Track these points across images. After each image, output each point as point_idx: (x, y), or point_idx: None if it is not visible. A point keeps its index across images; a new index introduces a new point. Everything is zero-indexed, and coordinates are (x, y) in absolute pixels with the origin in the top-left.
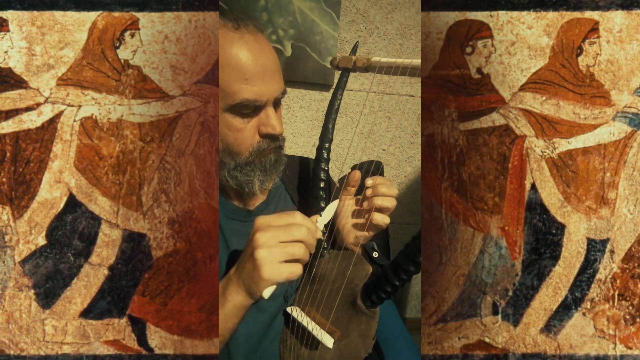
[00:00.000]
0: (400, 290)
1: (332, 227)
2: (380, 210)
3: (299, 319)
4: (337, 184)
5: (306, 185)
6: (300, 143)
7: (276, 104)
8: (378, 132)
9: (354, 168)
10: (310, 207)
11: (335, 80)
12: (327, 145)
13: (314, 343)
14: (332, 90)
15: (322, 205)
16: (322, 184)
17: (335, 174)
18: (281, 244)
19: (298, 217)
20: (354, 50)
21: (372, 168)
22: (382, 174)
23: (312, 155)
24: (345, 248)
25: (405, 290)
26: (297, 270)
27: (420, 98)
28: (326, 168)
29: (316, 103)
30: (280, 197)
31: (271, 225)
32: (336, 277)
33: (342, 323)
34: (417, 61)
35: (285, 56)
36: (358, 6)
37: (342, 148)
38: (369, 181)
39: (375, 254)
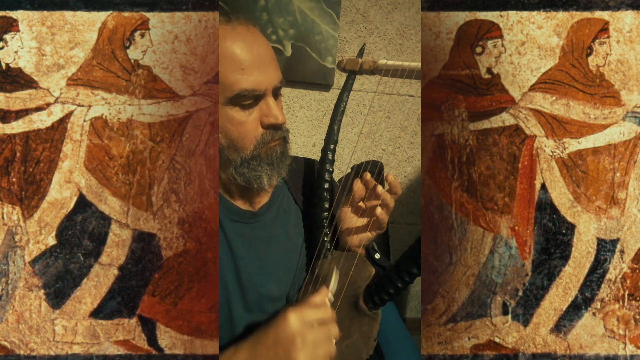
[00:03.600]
0: None
1: (335, 229)
2: (385, 207)
3: None
4: (338, 184)
5: (310, 186)
6: (300, 143)
7: (275, 94)
8: (378, 132)
9: (354, 168)
10: (314, 208)
11: (336, 80)
12: (331, 146)
13: None
14: (332, 90)
15: (326, 205)
16: (326, 185)
17: (336, 174)
18: (318, 346)
19: (330, 310)
20: (360, 53)
21: (373, 168)
22: (382, 174)
23: (312, 155)
24: (348, 249)
25: (405, 290)
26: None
27: (420, 98)
28: (331, 169)
29: (316, 103)
30: (284, 197)
31: (307, 323)
32: (339, 278)
33: (344, 324)
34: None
35: (285, 56)
36: (358, 6)
37: (343, 148)
38: (380, 187)
39: (377, 255)
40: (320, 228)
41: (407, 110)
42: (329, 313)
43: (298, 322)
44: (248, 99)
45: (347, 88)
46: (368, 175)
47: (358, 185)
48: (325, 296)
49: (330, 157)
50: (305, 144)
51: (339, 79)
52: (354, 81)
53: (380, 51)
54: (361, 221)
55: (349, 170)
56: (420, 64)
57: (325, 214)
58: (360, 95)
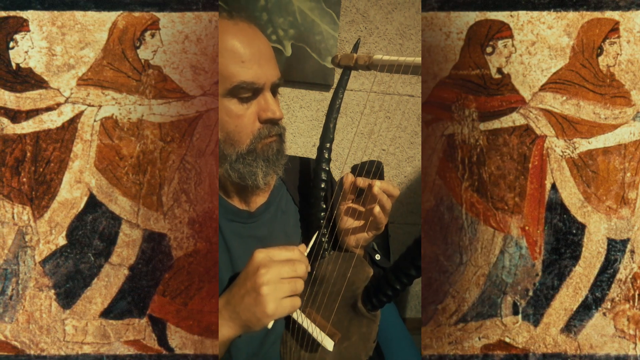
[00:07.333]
0: None
1: (333, 228)
2: (382, 209)
3: (300, 320)
4: (338, 184)
5: (307, 185)
6: (300, 143)
7: (274, 91)
8: (378, 132)
9: (354, 168)
10: (311, 208)
11: (336, 80)
12: (327, 145)
13: (314, 345)
14: (332, 90)
15: (323, 205)
16: (323, 185)
17: (335, 174)
18: (284, 280)
19: (297, 252)
20: (355, 48)
21: (372, 168)
22: (382, 174)
23: (312, 155)
24: (345, 250)
25: (405, 290)
26: (297, 303)
27: (420, 98)
28: (327, 168)
29: (316, 103)
30: (282, 197)
31: (273, 260)
32: (337, 278)
33: (342, 325)
34: (419, 59)
35: (285, 56)
36: (358, 6)
37: (342, 148)
38: (376, 187)
39: (377, 257)
40: (317, 228)
41: (407, 110)
42: (297, 254)
43: (264, 256)
44: (247, 92)
45: (342, 85)
46: (360, 181)
47: (348, 179)
48: (301, 249)
49: (326, 156)
50: (305, 143)
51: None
52: (349, 77)
53: (380, 51)
54: (358, 222)
55: (349, 170)
56: (417, 58)
57: (322, 214)
58: (360, 95)
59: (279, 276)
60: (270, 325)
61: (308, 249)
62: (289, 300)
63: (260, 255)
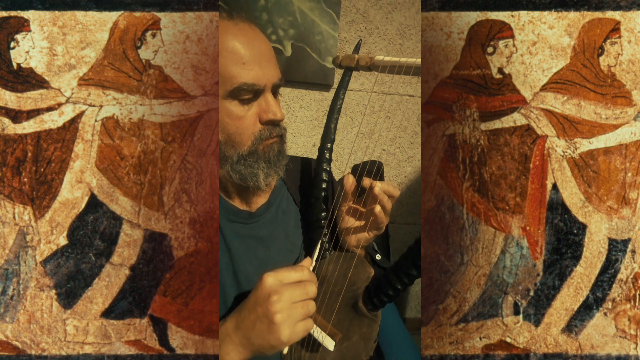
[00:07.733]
0: None
1: (334, 228)
2: (383, 209)
3: None
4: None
5: (308, 185)
6: (300, 143)
7: (274, 92)
8: (378, 132)
9: (354, 168)
10: (312, 208)
11: (336, 80)
12: (329, 145)
13: (315, 345)
14: (332, 90)
15: (324, 206)
16: (323, 185)
17: (336, 175)
18: (297, 305)
19: (306, 272)
20: (356, 49)
21: (373, 168)
22: (382, 174)
23: (312, 155)
24: (346, 250)
25: (405, 290)
26: (310, 325)
27: (421, 98)
28: (328, 168)
29: (316, 103)
30: (283, 198)
31: (283, 283)
32: (337, 279)
33: (343, 325)
34: (419, 61)
35: (285, 56)
36: (358, 6)
37: (343, 148)
38: (377, 188)
39: (377, 257)
40: (318, 228)
41: (407, 110)
42: (306, 274)
43: (273, 281)
44: (247, 93)
45: (343, 85)
46: (367, 181)
47: (349, 180)
48: (307, 263)
49: (327, 156)
50: (305, 144)
51: (339, 79)
52: (351, 78)
53: (380, 51)
54: (359, 222)
55: (349, 170)
56: (418, 59)
57: (323, 214)
58: (360, 95)
59: (291, 301)
60: (285, 351)
61: (313, 262)
62: (302, 323)
63: (270, 279)
